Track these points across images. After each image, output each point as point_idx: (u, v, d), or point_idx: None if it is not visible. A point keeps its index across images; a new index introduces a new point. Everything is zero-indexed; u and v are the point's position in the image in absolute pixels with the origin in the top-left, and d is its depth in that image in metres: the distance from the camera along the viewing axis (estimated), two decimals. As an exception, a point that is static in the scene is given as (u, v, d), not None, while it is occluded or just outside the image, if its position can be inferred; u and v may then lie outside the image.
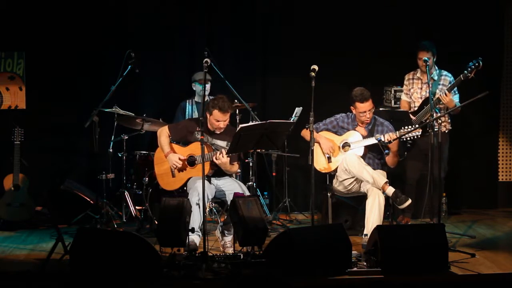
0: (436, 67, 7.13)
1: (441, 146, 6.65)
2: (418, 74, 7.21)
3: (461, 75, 6.68)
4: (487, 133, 8.28)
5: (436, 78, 7.09)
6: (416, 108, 7.13)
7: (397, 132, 6.36)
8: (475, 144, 8.20)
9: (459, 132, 7.48)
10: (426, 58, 6.86)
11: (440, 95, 6.80)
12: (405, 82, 7.33)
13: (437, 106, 6.90)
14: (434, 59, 7.04)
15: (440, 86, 7.02)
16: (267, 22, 8.10)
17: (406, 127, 6.29)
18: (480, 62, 6.58)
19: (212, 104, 6.14)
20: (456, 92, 6.96)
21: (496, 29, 8.16)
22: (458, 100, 6.92)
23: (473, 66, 6.59)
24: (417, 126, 6.37)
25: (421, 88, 7.17)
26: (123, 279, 5.06)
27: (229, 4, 8.03)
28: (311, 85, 5.73)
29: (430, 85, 6.83)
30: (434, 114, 6.73)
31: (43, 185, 7.59)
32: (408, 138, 6.33)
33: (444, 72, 7.10)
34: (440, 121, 6.59)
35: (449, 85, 6.89)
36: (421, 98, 7.14)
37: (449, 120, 7.16)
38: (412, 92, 7.23)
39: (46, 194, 7.56)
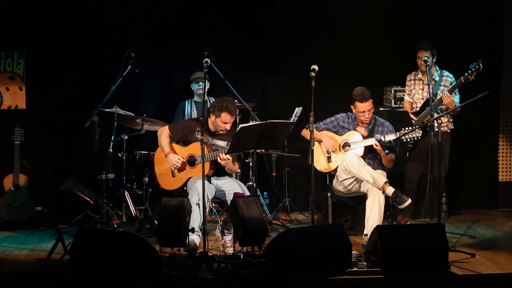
0: (437, 68, 7.12)
1: (442, 146, 6.66)
2: (420, 75, 7.20)
3: (461, 77, 6.69)
4: (487, 133, 8.28)
5: (437, 79, 7.09)
6: (418, 109, 7.13)
7: (397, 132, 6.35)
8: (475, 144, 8.19)
9: (459, 132, 7.47)
10: (425, 58, 6.85)
11: (442, 96, 6.80)
12: (406, 83, 7.31)
13: (439, 107, 6.91)
14: (434, 59, 7.03)
15: (441, 87, 7.01)
16: (267, 22, 8.10)
17: (407, 128, 6.29)
18: (481, 65, 6.58)
19: (219, 107, 6.10)
20: (457, 93, 6.95)
21: (496, 29, 8.16)
22: (458, 101, 6.92)
23: (473, 69, 6.60)
24: (417, 126, 6.36)
25: (423, 89, 7.17)
26: (123, 279, 5.06)
27: (229, 3, 8.03)
28: (311, 85, 5.72)
29: (432, 86, 6.84)
30: (435, 114, 6.73)
31: (43, 185, 7.59)
32: (409, 139, 6.33)
33: (446, 73, 7.09)
34: (440, 121, 6.58)
35: (450, 86, 6.89)
36: (422, 99, 7.13)
37: (451, 120, 7.17)
38: (414, 93, 7.22)
39: (46, 194, 7.57)
